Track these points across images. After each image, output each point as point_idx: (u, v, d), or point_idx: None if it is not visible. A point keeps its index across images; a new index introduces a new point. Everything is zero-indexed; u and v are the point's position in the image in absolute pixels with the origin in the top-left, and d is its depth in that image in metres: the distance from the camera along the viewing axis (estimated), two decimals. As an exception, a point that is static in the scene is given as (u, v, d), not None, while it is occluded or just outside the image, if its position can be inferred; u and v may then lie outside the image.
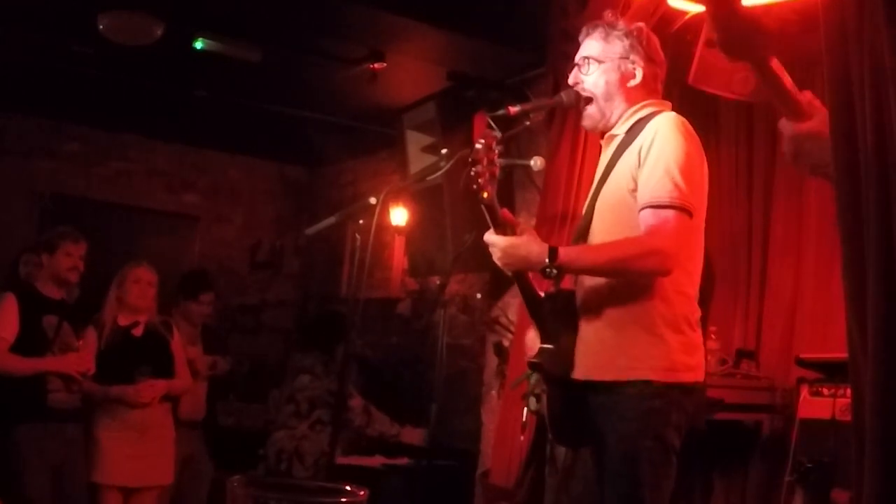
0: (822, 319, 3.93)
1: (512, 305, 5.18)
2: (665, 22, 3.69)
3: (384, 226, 5.92)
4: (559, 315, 2.59)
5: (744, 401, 3.90)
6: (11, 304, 4.35)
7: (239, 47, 5.05)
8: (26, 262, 5.47)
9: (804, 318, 4.09)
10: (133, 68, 5.58)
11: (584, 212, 2.70)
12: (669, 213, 2.41)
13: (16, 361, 4.27)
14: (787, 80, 1.78)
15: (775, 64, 1.74)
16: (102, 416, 4.55)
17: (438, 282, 5.59)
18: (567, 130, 4.20)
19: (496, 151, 2.43)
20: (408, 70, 5.31)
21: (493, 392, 5.34)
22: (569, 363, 2.56)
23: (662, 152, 2.45)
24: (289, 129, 6.80)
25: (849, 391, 2.56)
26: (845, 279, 1.82)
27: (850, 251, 1.77)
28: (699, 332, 2.57)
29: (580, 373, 2.55)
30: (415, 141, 5.72)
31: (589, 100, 2.67)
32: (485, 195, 2.43)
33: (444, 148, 2.53)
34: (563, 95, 2.73)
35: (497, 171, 2.44)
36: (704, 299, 3.00)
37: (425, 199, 5.56)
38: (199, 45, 4.97)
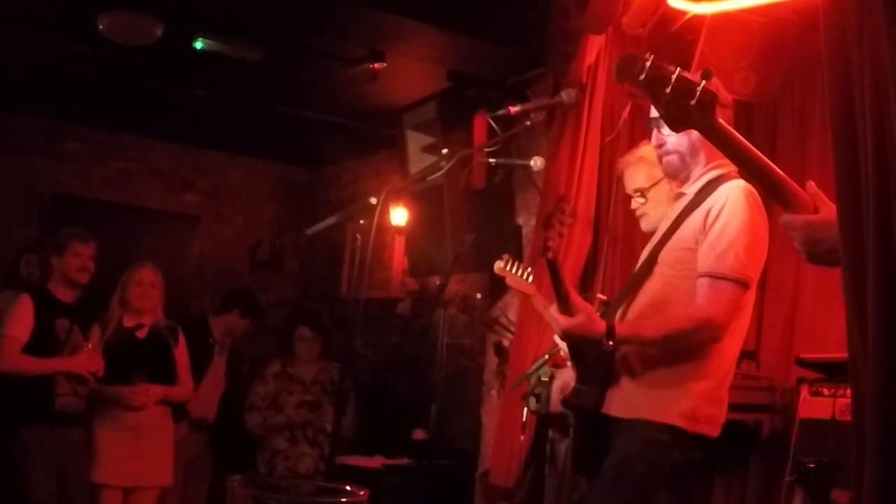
0: (822, 319, 3.93)
1: (512, 305, 5.17)
2: (665, 22, 3.69)
3: (384, 226, 5.92)
4: (601, 357, 2.64)
5: (744, 401, 3.89)
6: (27, 305, 4.38)
7: (239, 47, 5.05)
8: (27, 262, 5.49)
9: (804, 318, 4.08)
10: (133, 68, 5.58)
11: (643, 261, 2.76)
12: (726, 284, 2.48)
13: (28, 362, 4.29)
14: (740, 139, 1.74)
15: (722, 125, 1.71)
16: (101, 416, 4.56)
17: (438, 282, 5.60)
18: (567, 130, 4.20)
19: (568, 214, 2.55)
20: (408, 70, 5.31)
21: (493, 392, 5.34)
22: (599, 400, 2.64)
23: (729, 223, 2.50)
24: (289, 129, 6.80)
25: (849, 391, 2.56)
26: (845, 280, 1.82)
27: (850, 252, 1.77)
28: (726, 390, 2.64)
29: (611, 409, 2.63)
30: (415, 141, 5.72)
31: (670, 152, 2.70)
32: (549, 255, 2.55)
33: (444, 148, 2.54)
34: (564, 95, 2.75)
35: (564, 233, 2.57)
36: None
37: (425, 199, 5.56)
38: (199, 45, 4.97)
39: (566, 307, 2.57)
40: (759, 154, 1.77)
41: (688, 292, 2.54)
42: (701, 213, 2.57)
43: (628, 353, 2.61)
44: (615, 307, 2.76)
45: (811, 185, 1.80)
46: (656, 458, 2.50)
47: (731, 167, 2.63)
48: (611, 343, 2.51)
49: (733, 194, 2.53)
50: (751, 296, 2.62)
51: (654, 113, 2.71)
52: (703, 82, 1.64)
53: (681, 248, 2.60)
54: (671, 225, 2.68)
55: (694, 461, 2.58)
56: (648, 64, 1.65)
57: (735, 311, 2.50)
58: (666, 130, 2.68)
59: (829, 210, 1.76)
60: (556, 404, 2.87)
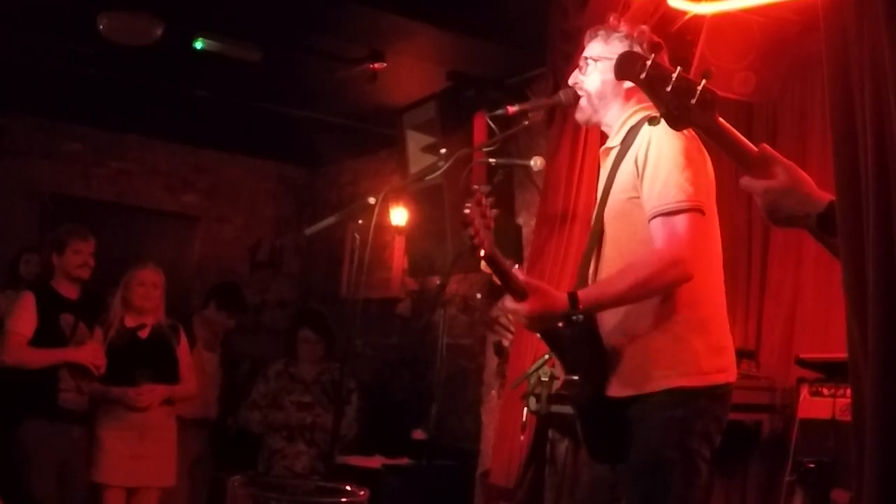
0: (822, 319, 3.93)
1: (512, 305, 5.17)
2: (665, 22, 3.69)
3: (384, 226, 5.91)
4: (581, 341, 2.54)
5: (744, 401, 3.88)
6: (30, 302, 4.41)
7: (239, 47, 5.04)
8: (27, 262, 5.50)
9: (804, 318, 4.08)
10: (133, 68, 5.58)
11: (592, 225, 2.69)
12: (680, 217, 2.38)
13: (34, 354, 4.32)
14: (739, 137, 1.76)
15: (722, 123, 1.72)
16: (104, 416, 4.56)
17: (438, 282, 5.61)
18: (567, 130, 4.20)
19: (487, 203, 2.42)
20: (408, 70, 5.31)
21: (493, 392, 5.34)
22: (597, 387, 2.51)
23: (660, 157, 2.43)
24: (289, 129, 6.79)
25: (849, 391, 2.56)
26: (845, 279, 1.82)
27: (851, 251, 1.77)
28: (727, 330, 2.54)
29: (613, 390, 2.51)
30: (415, 141, 5.72)
31: (581, 95, 2.67)
32: (482, 253, 2.42)
33: (444, 148, 2.53)
34: (562, 95, 2.73)
35: (492, 224, 2.42)
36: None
37: (425, 199, 5.55)
38: (199, 45, 4.97)
39: (522, 296, 2.44)
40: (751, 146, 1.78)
41: (642, 242, 2.45)
42: (630, 160, 2.50)
43: (611, 331, 2.51)
44: (579, 283, 2.65)
45: (764, 146, 1.78)
46: (681, 438, 2.40)
47: (649, 109, 2.48)
48: (579, 312, 2.38)
49: (655, 130, 2.43)
50: (712, 225, 2.51)
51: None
52: (704, 81, 1.64)
53: (621, 200, 2.53)
54: (606, 183, 2.62)
55: (719, 418, 2.47)
56: (649, 63, 1.65)
57: (697, 239, 2.39)
58: (586, 68, 2.65)
59: (786, 174, 1.76)
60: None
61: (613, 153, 2.63)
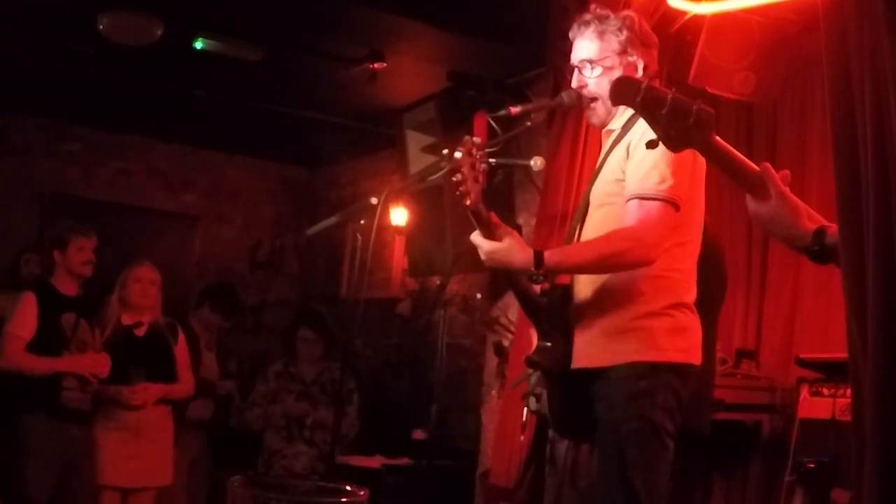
0: (822, 319, 3.93)
1: (512, 305, 5.17)
2: (665, 22, 3.70)
3: (384, 226, 5.91)
4: (556, 311, 2.63)
5: (744, 401, 3.90)
6: (31, 302, 4.37)
7: (239, 47, 5.04)
8: (27, 262, 5.49)
9: (804, 318, 4.09)
10: (133, 68, 5.58)
11: (580, 203, 2.75)
12: (654, 204, 2.45)
13: (32, 361, 4.28)
14: (738, 156, 1.77)
15: (720, 142, 1.73)
16: (100, 416, 4.54)
17: (438, 282, 5.60)
18: (567, 130, 4.20)
19: (478, 157, 2.45)
20: (408, 70, 5.31)
21: (493, 392, 5.34)
22: (567, 357, 2.59)
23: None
24: (289, 129, 6.79)
25: (849, 391, 2.57)
26: (845, 280, 1.82)
27: (851, 252, 1.77)
28: (692, 314, 2.59)
29: (577, 362, 2.59)
30: (415, 141, 5.72)
31: (594, 99, 2.68)
32: (467, 203, 2.47)
33: (445, 148, 2.54)
34: (564, 96, 2.74)
35: (481, 178, 2.46)
36: (715, 304, 3.03)
37: (425, 199, 5.55)
38: (199, 45, 4.97)
39: (490, 235, 2.54)
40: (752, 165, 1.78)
41: (623, 222, 2.52)
42: (624, 144, 2.57)
43: (582, 306, 2.59)
44: None
45: (766, 166, 1.79)
46: (644, 410, 2.45)
47: None
48: (540, 271, 2.45)
49: None
50: (692, 225, 2.59)
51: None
52: (699, 102, 1.66)
53: (609, 181, 2.60)
54: (600, 164, 2.68)
55: (679, 395, 2.50)
56: (643, 87, 1.67)
57: (665, 230, 2.46)
58: (588, 71, 2.67)
59: (776, 200, 1.76)
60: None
61: (612, 136, 2.68)
